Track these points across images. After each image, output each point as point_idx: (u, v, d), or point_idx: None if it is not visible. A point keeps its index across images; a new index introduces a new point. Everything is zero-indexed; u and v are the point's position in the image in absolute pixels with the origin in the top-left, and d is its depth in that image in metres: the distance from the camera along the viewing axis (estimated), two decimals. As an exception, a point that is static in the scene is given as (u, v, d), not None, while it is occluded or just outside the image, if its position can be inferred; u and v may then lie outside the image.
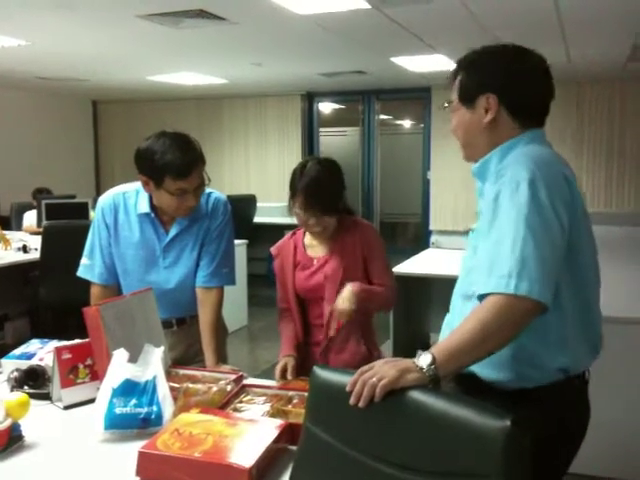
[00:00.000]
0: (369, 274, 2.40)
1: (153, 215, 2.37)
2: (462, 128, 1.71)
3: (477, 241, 1.61)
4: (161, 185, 2.23)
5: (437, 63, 6.63)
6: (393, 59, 6.63)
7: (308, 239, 2.47)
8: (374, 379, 1.32)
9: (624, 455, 3.22)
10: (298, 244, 2.48)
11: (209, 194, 2.44)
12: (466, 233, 1.72)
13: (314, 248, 2.45)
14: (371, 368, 1.37)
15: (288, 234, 2.53)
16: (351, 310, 2.22)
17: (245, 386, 2.04)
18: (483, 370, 1.60)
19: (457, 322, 1.51)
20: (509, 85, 1.64)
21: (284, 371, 2.27)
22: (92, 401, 1.88)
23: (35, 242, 5.19)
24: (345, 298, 2.23)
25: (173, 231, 2.39)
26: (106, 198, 2.43)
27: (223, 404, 1.86)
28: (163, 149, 2.21)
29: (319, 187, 2.29)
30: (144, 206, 2.37)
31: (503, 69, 1.65)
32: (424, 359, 1.38)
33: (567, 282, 1.53)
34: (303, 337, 2.45)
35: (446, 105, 1.76)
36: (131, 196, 2.41)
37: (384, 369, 1.35)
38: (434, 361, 1.38)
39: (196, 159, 2.25)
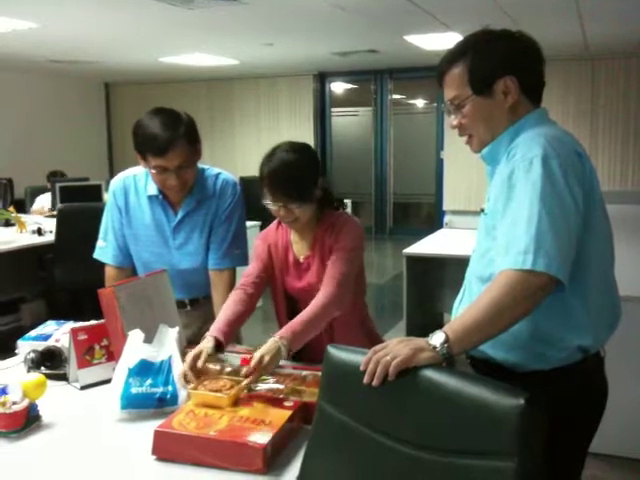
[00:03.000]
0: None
1: (161, 197, 2.37)
2: (482, 118, 1.62)
3: (493, 221, 1.58)
4: (146, 161, 2.25)
5: (451, 41, 6.50)
6: (406, 37, 6.57)
7: (293, 235, 2.22)
8: (387, 358, 1.32)
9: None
10: (287, 239, 2.23)
11: (217, 175, 2.43)
12: (479, 213, 1.70)
13: (298, 245, 2.21)
14: (384, 347, 1.37)
15: (274, 223, 2.28)
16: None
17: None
18: (497, 352, 1.59)
19: None
20: (524, 64, 1.61)
21: (196, 358, 1.85)
22: (108, 381, 1.90)
23: (50, 225, 5.22)
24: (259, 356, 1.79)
25: (181, 212, 2.39)
26: (117, 181, 2.45)
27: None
28: (147, 124, 2.22)
29: (285, 172, 2.06)
30: (153, 188, 2.37)
31: (514, 49, 1.62)
32: (437, 338, 1.38)
33: (587, 263, 1.52)
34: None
35: (448, 103, 1.66)
36: (141, 178, 2.41)
37: (397, 348, 1.35)
38: (447, 339, 1.37)
39: (176, 137, 2.18)
